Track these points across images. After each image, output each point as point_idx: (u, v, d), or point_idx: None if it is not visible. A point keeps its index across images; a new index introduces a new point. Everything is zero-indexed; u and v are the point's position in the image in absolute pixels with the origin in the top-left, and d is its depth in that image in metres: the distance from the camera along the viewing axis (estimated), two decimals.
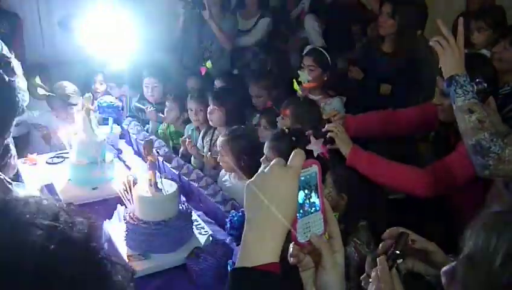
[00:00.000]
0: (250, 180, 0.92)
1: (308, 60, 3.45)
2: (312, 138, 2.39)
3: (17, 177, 3.01)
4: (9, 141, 2.46)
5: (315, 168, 0.95)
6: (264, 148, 2.64)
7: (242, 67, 4.72)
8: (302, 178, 0.92)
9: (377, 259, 1.41)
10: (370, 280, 1.43)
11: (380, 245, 1.50)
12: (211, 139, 3.49)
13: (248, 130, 3.06)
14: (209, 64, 4.19)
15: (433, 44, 2.04)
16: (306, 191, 0.93)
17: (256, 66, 4.66)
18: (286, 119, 2.88)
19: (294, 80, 2.99)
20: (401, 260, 1.42)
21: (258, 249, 0.87)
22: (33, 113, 3.98)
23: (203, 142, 3.62)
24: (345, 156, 2.39)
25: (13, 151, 2.73)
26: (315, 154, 2.37)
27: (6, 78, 1.55)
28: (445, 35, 2.01)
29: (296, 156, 0.93)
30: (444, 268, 1.08)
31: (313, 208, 0.95)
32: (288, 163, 0.92)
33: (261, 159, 2.63)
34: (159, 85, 4.20)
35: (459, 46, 2.00)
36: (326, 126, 2.49)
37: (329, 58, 3.46)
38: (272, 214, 0.87)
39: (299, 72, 3.15)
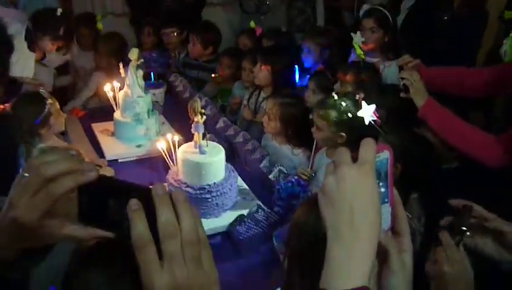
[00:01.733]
0: (320, 188, 0.78)
1: (369, 21, 3.21)
2: (364, 104, 2.22)
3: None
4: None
5: (386, 154, 0.81)
6: (313, 116, 2.48)
7: (301, 23, 4.53)
8: None
9: (440, 235, 1.28)
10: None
11: (442, 221, 1.38)
12: (257, 100, 3.35)
13: (299, 98, 2.90)
14: (252, 24, 4.02)
15: None
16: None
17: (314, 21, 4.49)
18: (345, 85, 2.69)
19: (356, 45, 2.79)
20: (468, 233, 1.28)
21: (347, 270, 0.73)
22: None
23: (248, 102, 3.50)
24: (417, 107, 2.27)
25: (55, 106, 2.66)
26: (366, 122, 2.21)
27: None
28: None
29: (366, 148, 0.77)
30: None
31: (381, 200, 0.80)
32: (359, 157, 0.77)
33: (312, 130, 2.49)
34: (198, 44, 4.03)
35: None
36: (401, 73, 2.32)
37: (391, 18, 3.21)
38: (356, 229, 0.73)
39: (352, 34, 2.94)
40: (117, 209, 0.71)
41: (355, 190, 0.74)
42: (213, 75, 3.69)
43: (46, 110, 2.58)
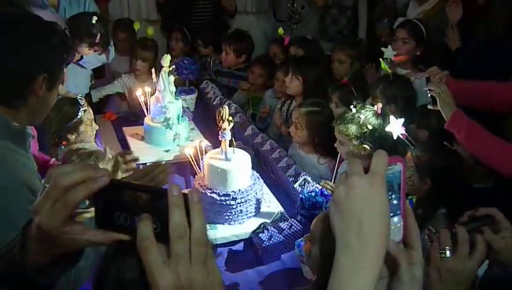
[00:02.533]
0: (332, 197, 0.79)
1: (402, 32, 3.20)
2: (392, 118, 2.19)
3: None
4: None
5: (399, 167, 0.81)
6: (335, 131, 2.48)
7: (333, 33, 4.51)
8: None
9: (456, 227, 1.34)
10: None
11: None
12: (288, 110, 3.36)
13: (327, 106, 2.89)
14: (280, 31, 4.06)
15: None
16: (387, 192, 0.79)
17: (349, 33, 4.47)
18: (376, 99, 2.67)
19: (381, 60, 2.76)
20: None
21: (353, 279, 0.74)
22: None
23: (280, 111, 3.51)
24: (445, 119, 2.22)
25: (89, 115, 2.69)
26: (394, 137, 2.18)
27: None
28: None
29: (378, 159, 0.78)
30: None
31: (393, 212, 0.81)
32: (370, 168, 0.77)
33: (335, 144, 2.48)
34: (231, 53, 4.08)
35: None
36: (428, 84, 2.29)
37: (424, 32, 3.17)
38: (364, 239, 0.74)
39: (382, 49, 2.91)
40: (131, 211, 0.75)
41: (365, 199, 0.75)
42: (240, 83, 3.72)
43: (78, 116, 2.58)
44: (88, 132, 2.66)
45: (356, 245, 0.74)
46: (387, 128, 2.17)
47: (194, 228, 0.71)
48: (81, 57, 3.30)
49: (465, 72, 3.02)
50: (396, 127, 2.17)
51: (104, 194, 0.76)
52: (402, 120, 2.18)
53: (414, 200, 2.20)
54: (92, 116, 2.72)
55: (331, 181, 2.50)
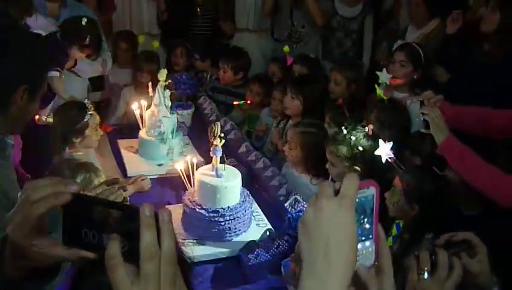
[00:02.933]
0: (300, 219, 0.79)
1: (400, 55, 3.21)
2: (380, 142, 2.19)
3: None
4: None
5: (372, 191, 0.80)
6: (326, 152, 2.48)
7: (338, 56, 4.53)
8: (356, 200, 0.78)
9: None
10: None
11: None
12: (284, 129, 3.36)
13: (322, 127, 2.90)
14: (286, 48, 4.08)
15: None
16: (359, 215, 0.79)
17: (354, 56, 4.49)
18: (369, 124, 2.68)
19: (376, 86, 2.76)
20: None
21: None
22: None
23: (277, 128, 3.51)
24: (437, 144, 2.23)
25: (95, 120, 2.71)
26: (383, 160, 2.17)
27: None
28: None
29: (348, 182, 0.77)
30: None
31: (365, 236, 0.80)
32: (340, 191, 0.77)
33: (326, 166, 2.48)
34: (229, 71, 4.09)
35: None
36: (422, 108, 2.30)
37: (423, 56, 3.18)
38: (330, 261, 0.73)
39: (377, 72, 2.92)
40: (99, 229, 0.75)
41: (332, 222, 0.74)
42: (235, 103, 3.74)
43: (85, 119, 2.61)
44: (93, 136, 2.69)
45: (322, 267, 0.73)
46: (376, 152, 2.17)
47: (164, 248, 0.71)
48: (75, 63, 3.31)
49: (460, 97, 3.02)
50: (384, 150, 2.16)
51: (72, 209, 0.76)
52: (391, 144, 2.18)
53: (401, 224, 2.19)
54: (98, 122, 2.74)
55: None
